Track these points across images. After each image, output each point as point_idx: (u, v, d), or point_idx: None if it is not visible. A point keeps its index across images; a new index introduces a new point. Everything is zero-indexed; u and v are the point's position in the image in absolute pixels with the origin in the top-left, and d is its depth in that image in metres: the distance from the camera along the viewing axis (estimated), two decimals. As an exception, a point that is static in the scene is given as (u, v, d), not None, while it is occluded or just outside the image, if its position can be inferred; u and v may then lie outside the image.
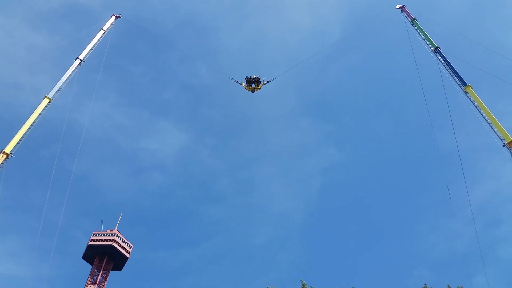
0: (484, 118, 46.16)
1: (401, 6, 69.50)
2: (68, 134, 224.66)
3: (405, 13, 67.74)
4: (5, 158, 46.04)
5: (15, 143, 47.45)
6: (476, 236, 57.24)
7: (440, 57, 55.75)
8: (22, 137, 48.37)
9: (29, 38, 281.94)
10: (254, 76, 65.08)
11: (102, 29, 69.82)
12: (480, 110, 47.15)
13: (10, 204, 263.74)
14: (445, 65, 54.66)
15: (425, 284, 53.31)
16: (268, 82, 65.76)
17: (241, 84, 65.29)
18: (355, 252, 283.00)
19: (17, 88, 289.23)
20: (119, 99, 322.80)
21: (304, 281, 50.05)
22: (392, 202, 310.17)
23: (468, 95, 49.65)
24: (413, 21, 64.34)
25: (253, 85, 64.98)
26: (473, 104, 48.10)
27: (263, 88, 65.27)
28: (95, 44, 66.15)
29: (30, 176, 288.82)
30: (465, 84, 50.33)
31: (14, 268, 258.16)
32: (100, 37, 68.32)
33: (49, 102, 53.05)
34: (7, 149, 46.42)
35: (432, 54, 57.21)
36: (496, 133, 44.01)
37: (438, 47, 56.59)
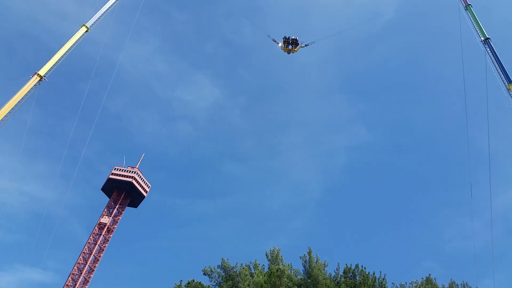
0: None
1: (458, -12, 65.55)
2: (107, 72, 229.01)
3: (461, -3, 63.91)
4: (39, 80, 47.47)
5: (50, 67, 48.65)
6: (491, 239, 56.00)
7: (488, 49, 52.72)
8: (57, 61, 49.50)
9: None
10: (293, 37, 63.06)
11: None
12: (519, 111, 44.96)
13: (44, 129, 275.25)
14: (493, 58, 51.65)
15: (429, 274, 53.60)
16: (306, 45, 63.70)
17: (277, 43, 63.27)
18: (367, 233, 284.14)
19: (63, 17, 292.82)
20: (161, 45, 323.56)
21: (311, 248, 50.90)
22: (413, 190, 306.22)
23: (511, 93, 47.16)
24: (467, 6, 60.64)
25: (290, 47, 63.11)
26: (514, 103, 45.79)
27: (301, 52, 63.54)
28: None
29: (66, 106, 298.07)
30: (510, 81, 47.58)
31: (39, 190, 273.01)
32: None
33: (86, 31, 53.66)
34: (41, 72, 47.74)
35: (481, 44, 54.16)
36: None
37: (489, 38, 53.25)
